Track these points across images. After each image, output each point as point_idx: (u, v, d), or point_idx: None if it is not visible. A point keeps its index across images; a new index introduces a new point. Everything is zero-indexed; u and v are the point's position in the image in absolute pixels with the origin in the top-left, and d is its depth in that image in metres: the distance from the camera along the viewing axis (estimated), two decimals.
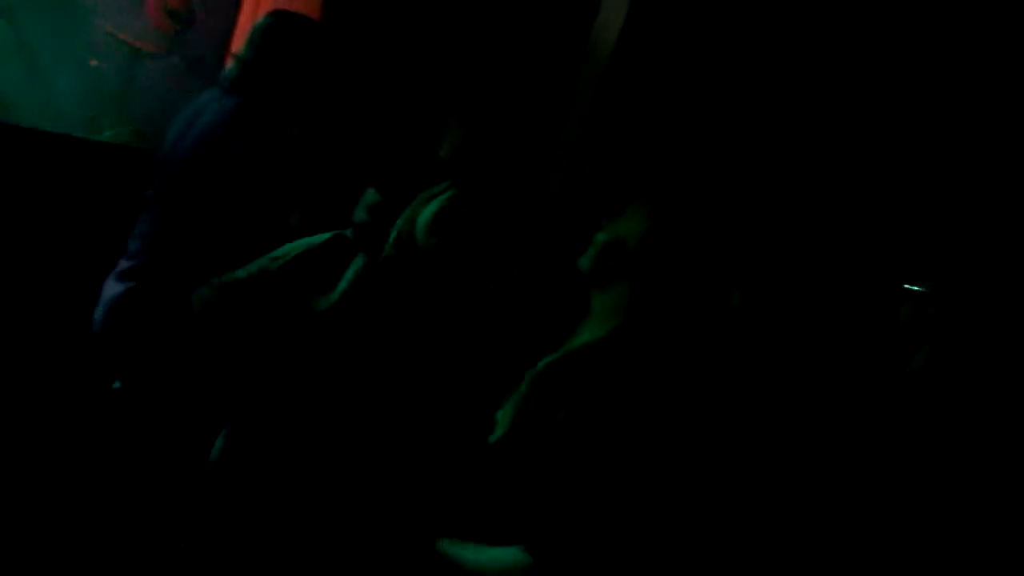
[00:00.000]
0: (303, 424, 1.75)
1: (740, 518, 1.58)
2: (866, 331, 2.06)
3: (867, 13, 2.72)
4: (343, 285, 1.83)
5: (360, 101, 3.02)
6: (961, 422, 1.87)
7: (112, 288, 2.17)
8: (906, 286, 2.13)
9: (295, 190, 2.32)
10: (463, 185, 1.89)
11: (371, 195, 2.04)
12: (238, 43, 3.64)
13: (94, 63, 3.36)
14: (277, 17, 2.27)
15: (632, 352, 1.41)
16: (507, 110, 2.19)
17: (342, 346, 1.77)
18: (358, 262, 1.86)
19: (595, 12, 2.88)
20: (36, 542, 2.19)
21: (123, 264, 2.19)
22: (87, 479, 2.32)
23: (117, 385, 2.18)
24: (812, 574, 1.69)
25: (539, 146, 3.12)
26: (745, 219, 2.31)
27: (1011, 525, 1.76)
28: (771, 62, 2.78)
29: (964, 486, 1.81)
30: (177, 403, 2.09)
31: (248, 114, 2.15)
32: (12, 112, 2.98)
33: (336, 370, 1.77)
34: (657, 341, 1.43)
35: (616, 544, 1.33)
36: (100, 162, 2.89)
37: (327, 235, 1.98)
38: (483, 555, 1.36)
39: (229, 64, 2.41)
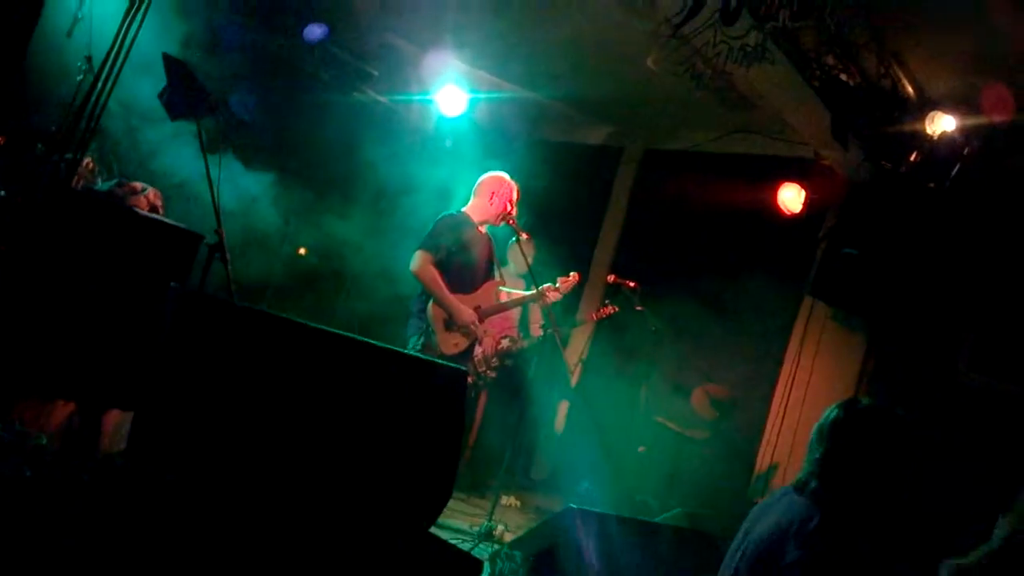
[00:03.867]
0: None
1: None
2: None
3: None
4: None
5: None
6: None
7: None
8: None
9: None
10: None
11: None
12: (772, 427, 3.85)
13: (642, 449, 3.75)
14: (847, 410, 2.25)
15: None
16: None
17: None
18: None
19: None
20: None
21: None
22: None
23: None
24: None
25: None
26: None
27: None
28: None
29: None
30: None
31: (814, 515, 2.13)
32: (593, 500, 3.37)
33: None
34: None
35: None
36: (654, 539, 3.07)
37: None
38: None
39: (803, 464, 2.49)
